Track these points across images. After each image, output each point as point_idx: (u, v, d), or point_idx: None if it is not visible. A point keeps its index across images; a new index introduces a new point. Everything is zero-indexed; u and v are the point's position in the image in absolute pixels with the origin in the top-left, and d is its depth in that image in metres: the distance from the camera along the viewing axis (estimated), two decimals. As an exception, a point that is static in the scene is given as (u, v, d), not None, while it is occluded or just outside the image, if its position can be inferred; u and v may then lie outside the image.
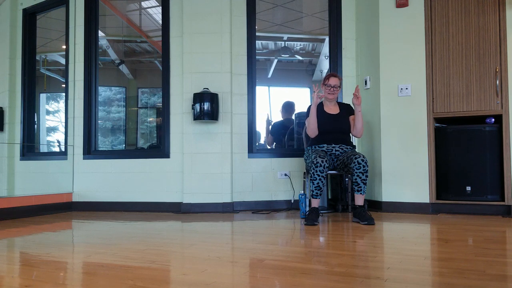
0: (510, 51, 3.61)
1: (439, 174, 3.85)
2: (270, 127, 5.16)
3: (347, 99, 4.38)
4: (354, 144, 3.79)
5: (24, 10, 5.25)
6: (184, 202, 4.23)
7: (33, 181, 5.03)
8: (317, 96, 3.41)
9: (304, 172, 4.05)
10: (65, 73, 4.83)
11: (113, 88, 6.32)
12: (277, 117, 5.23)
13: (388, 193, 3.95)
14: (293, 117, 4.89)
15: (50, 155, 5.48)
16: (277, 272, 1.80)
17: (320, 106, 3.70)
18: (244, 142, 4.37)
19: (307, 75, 6.70)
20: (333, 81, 3.63)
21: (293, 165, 4.41)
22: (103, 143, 5.29)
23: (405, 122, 3.93)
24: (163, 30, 4.49)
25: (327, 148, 3.58)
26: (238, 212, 4.13)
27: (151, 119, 6.47)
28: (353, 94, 3.47)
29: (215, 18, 4.28)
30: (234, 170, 4.31)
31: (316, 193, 3.32)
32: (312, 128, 3.57)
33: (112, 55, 5.87)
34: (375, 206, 4.04)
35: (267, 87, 5.82)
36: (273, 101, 5.58)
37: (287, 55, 6.25)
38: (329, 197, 4.33)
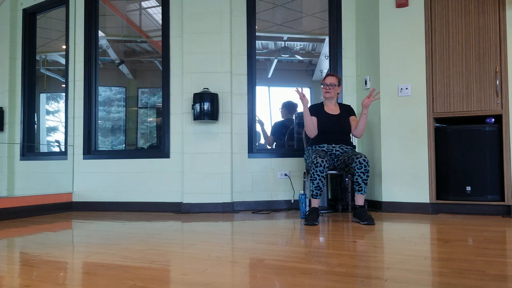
0: (510, 51, 3.61)
1: (439, 174, 3.84)
2: (267, 127, 5.15)
3: (347, 99, 4.39)
4: (354, 144, 3.79)
5: (24, 10, 5.25)
6: (184, 202, 4.23)
7: (33, 181, 5.03)
8: (303, 97, 3.41)
9: (304, 172, 4.05)
10: (65, 73, 4.83)
11: (113, 88, 6.32)
12: (277, 117, 5.24)
13: (388, 193, 3.95)
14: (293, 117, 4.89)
15: (50, 155, 5.48)
16: (277, 272, 1.80)
17: (320, 107, 3.71)
18: (244, 142, 4.37)
19: (307, 75, 6.70)
20: (328, 79, 3.65)
21: (293, 165, 4.41)
22: (103, 143, 5.30)
23: (405, 122, 3.93)
24: (163, 30, 4.49)
25: (328, 148, 3.58)
26: (238, 212, 4.13)
27: (151, 119, 6.48)
28: (368, 96, 3.43)
29: (215, 18, 4.28)
30: (234, 170, 4.31)
31: (316, 193, 3.32)
32: (309, 128, 3.58)
33: (112, 55, 5.88)
34: (375, 206, 4.04)
35: (267, 87, 5.83)
36: (273, 101, 5.59)
37: (287, 55, 6.25)
38: (329, 197, 4.33)
